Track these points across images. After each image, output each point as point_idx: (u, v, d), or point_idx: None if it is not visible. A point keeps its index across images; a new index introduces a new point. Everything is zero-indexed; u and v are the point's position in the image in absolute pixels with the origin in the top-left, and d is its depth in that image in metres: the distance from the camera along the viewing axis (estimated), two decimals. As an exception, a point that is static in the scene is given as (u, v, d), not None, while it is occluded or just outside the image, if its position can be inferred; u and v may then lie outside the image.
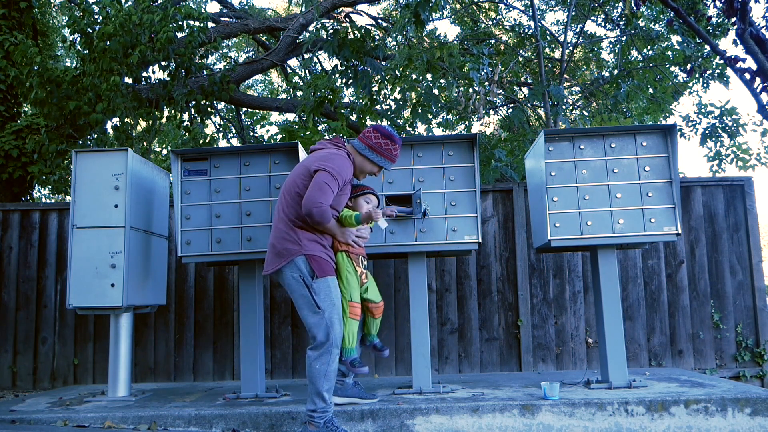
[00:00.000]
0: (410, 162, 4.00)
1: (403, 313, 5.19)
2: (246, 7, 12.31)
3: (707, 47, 7.82)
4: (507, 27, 11.19)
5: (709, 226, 5.36)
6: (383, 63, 7.85)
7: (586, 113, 9.96)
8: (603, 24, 10.47)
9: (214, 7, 46.68)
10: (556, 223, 3.89)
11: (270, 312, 5.18)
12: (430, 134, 8.17)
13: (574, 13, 9.17)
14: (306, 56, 11.20)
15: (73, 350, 5.22)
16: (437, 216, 3.92)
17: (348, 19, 10.10)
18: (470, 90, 7.29)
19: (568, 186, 3.94)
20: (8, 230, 5.37)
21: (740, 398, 3.53)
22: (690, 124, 9.03)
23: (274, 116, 12.96)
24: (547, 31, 9.77)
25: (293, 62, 12.00)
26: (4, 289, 5.30)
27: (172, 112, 7.51)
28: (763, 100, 5.56)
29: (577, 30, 10.08)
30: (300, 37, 9.24)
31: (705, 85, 9.43)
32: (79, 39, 6.81)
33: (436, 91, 7.26)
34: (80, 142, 7.52)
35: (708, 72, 9.00)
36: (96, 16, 6.78)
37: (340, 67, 6.98)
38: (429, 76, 7.54)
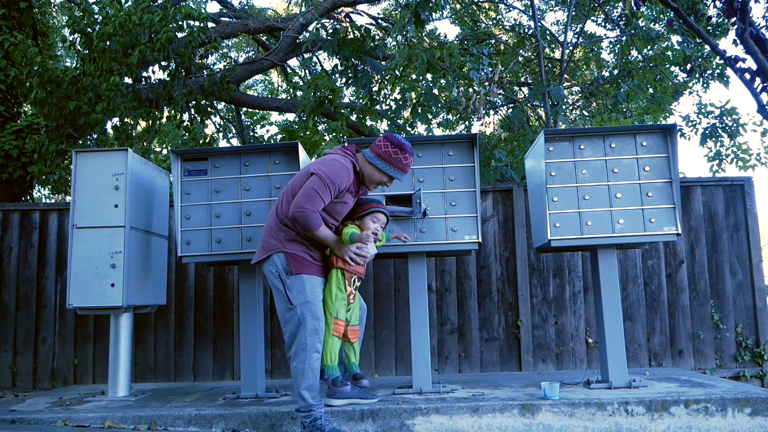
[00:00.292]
0: (410, 162, 4.00)
1: (403, 313, 5.19)
2: (246, 7, 12.31)
3: (707, 47, 7.82)
4: (507, 27, 11.19)
5: (709, 226, 5.36)
6: (383, 63, 7.85)
7: (586, 113, 9.96)
8: (603, 24, 10.47)
9: (214, 7, 46.69)
10: (556, 223, 3.89)
11: (270, 312, 5.18)
12: (430, 134, 8.17)
13: (574, 13, 9.17)
14: (306, 56, 11.21)
15: (73, 350, 5.22)
16: (437, 216, 3.92)
17: (348, 19, 10.10)
18: (470, 90, 7.29)
19: (568, 186, 3.94)
20: (8, 230, 5.37)
21: (740, 398, 3.53)
22: (690, 124, 9.03)
23: (274, 116, 12.97)
24: (547, 31, 9.77)
25: (293, 62, 12.02)
26: (4, 289, 5.30)
27: (172, 112, 7.51)
28: (763, 100, 5.56)
29: (577, 30, 10.08)
30: (300, 37, 9.25)
31: (705, 85, 9.43)
32: (79, 39, 6.81)
33: (436, 91, 7.26)
34: (80, 142, 7.52)
35: (708, 72, 9.01)
36: (96, 16, 6.78)
37: (339, 67, 6.98)
38: (429, 76, 7.54)
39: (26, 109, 9.12)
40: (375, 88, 7.57)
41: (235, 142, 12.47)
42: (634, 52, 9.73)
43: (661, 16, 9.11)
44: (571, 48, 9.43)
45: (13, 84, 7.27)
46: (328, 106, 7.83)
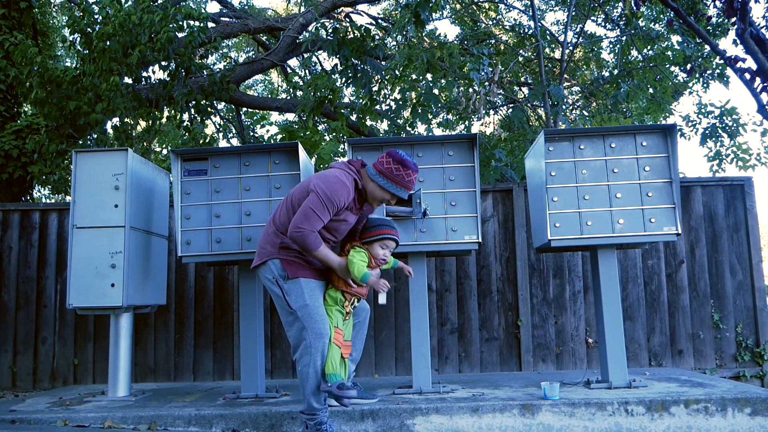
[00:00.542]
0: (410, 162, 4.00)
1: (403, 313, 5.19)
2: (246, 7, 12.31)
3: (707, 47, 7.82)
4: (507, 27, 11.19)
5: (709, 226, 5.36)
6: (383, 63, 7.85)
7: (586, 113, 9.96)
8: (603, 24, 10.47)
9: (214, 7, 46.68)
10: (556, 223, 3.89)
11: (270, 312, 5.18)
12: (430, 134, 8.17)
13: (574, 13, 9.17)
14: (306, 56, 11.21)
15: (73, 350, 5.22)
16: (437, 216, 3.92)
17: (348, 19, 10.10)
18: (470, 90, 7.29)
19: (568, 186, 3.94)
20: (8, 230, 5.37)
21: (740, 398, 3.53)
22: (690, 124, 9.03)
23: (274, 116, 12.97)
24: (547, 31, 9.77)
25: (293, 62, 12.02)
26: (4, 289, 5.30)
27: (172, 112, 7.51)
28: (763, 100, 5.55)
29: (577, 30, 10.08)
30: (300, 37, 9.25)
31: (705, 85, 9.43)
32: (79, 39, 6.81)
33: (436, 91, 7.26)
34: (80, 142, 7.52)
35: (708, 72, 9.01)
36: (96, 16, 6.78)
37: (339, 67, 6.98)
38: (429, 76, 7.54)
39: (26, 109, 9.12)
40: (375, 88, 7.57)
41: (235, 142, 12.48)
42: (634, 52, 9.73)
43: (661, 16, 9.11)
44: (571, 48, 9.43)
45: (13, 84, 7.27)
46: (328, 106, 7.83)
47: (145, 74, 7.29)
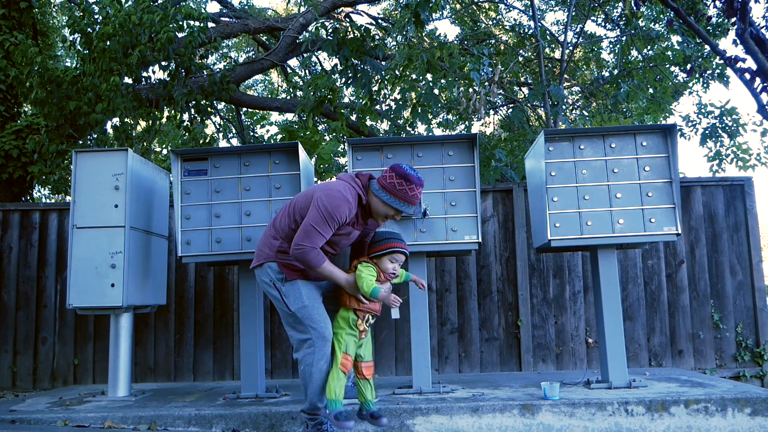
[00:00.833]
0: (410, 162, 4.00)
1: (403, 313, 5.18)
2: (246, 7, 12.30)
3: (707, 47, 7.82)
4: (507, 27, 11.19)
5: (709, 226, 5.36)
6: (383, 63, 7.85)
7: (586, 113, 9.96)
8: (603, 24, 10.47)
9: (214, 7, 46.70)
10: (556, 223, 3.89)
11: (270, 312, 5.18)
12: (430, 134, 8.17)
13: (574, 13, 9.17)
14: (306, 56, 11.21)
15: (73, 350, 5.22)
16: (437, 216, 3.92)
17: (348, 19, 10.09)
18: (470, 90, 7.29)
19: (568, 186, 3.94)
20: (8, 230, 5.37)
21: (740, 398, 3.53)
22: (690, 124, 9.03)
23: (274, 116, 12.97)
24: (547, 31, 9.77)
25: (293, 62, 12.02)
26: (4, 289, 5.30)
27: (172, 112, 7.51)
28: (763, 100, 5.55)
29: (577, 30, 10.08)
30: (300, 37, 9.25)
31: (705, 85, 9.43)
32: (79, 39, 6.81)
33: (436, 91, 7.26)
34: (80, 142, 7.52)
35: (708, 72, 9.00)
36: (96, 16, 6.78)
37: (339, 67, 6.98)
38: (429, 76, 7.54)
39: (26, 109, 9.12)
40: (375, 88, 7.57)
41: (235, 142, 12.48)
42: (634, 52, 9.73)
43: (661, 16, 9.10)
44: (571, 48, 9.43)
45: (13, 84, 7.27)
46: (328, 106, 7.83)
47: (145, 74, 7.29)
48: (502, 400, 3.61)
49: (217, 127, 12.14)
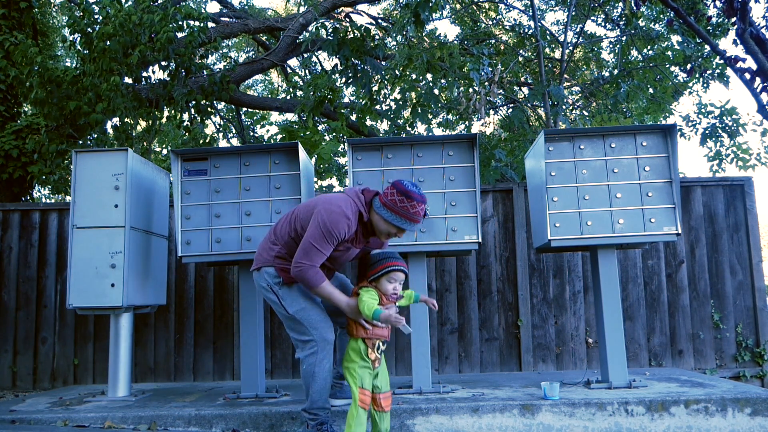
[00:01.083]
0: (410, 162, 4.00)
1: (403, 312, 5.18)
2: (246, 7, 12.30)
3: (707, 47, 7.82)
4: (507, 27, 11.19)
5: (709, 226, 5.36)
6: (383, 63, 7.85)
7: (586, 113, 9.96)
8: (603, 24, 10.47)
9: (214, 7, 46.68)
10: (556, 223, 3.89)
11: (270, 312, 5.17)
12: (430, 134, 8.17)
13: (574, 13, 9.17)
14: (306, 56, 11.20)
15: (73, 350, 5.22)
16: (437, 216, 3.92)
17: (348, 19, 10.10)
18: (470, 90, 7.29)
19: (568, 186, 3.94)
20: (8, 230, 5.37)
21: (740, 398, 3.53)
22: (690, 124, 9.03)
23: (274, 116, 12.97)
24: (547, 31, 9.77)
25: (293, 62, 12.02)
26: (4, 289, 5.30)
27: (172, 112, 7.51)
28: (763, 100, 5.56)
29: (577, 30, 10.08)
30: (300, 37, 9.25)
31: (705, 85, 9.43)
32: (79, 39, 6.81)
33: (436, 91, 7.26)
34: (80, 142, 7.52)
35: (708, 72, 9.00)
36: (96, 16, 6.78)
37: (339, 67, 6.99)
38: (429, 76, 7.55)
39: (26, 109, 9.12)
40: (375, 88, 7.57)
41: (235, 142, 12.48)
42: (634, 52, 9.73)
43: (661, 16, 9.10)
44: (571, 48, 9.43)
45: (13, 84, 7.27)
46: (328, 105, 7.83)
47: (145, 74, 7.30)
48: (502, 400, 3.61)
49: (217, 127, 12.15)
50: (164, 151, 11.42)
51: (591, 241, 3.90)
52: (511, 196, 5.37)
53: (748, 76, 5.52)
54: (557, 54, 10.57)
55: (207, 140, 9.51)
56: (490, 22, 11.17)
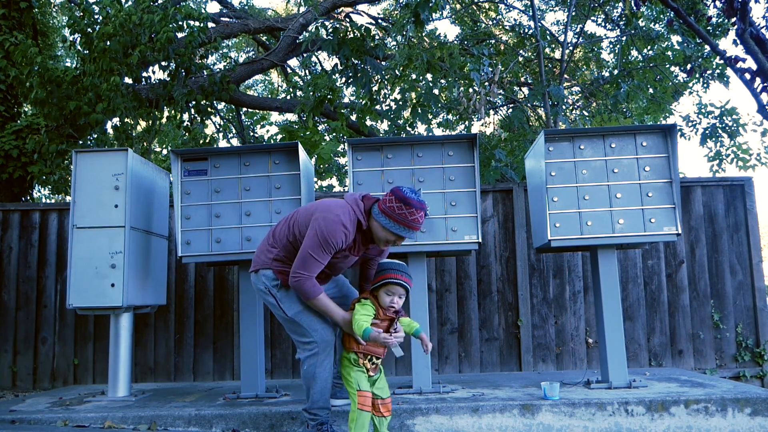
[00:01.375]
0: (410, 162, 4.00)
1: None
2: (246, 7, 12.30)
3: (707, 47, 7.82)
4: (507, 27, 11.19)
5: (709, 226, 5.36)
6: (383, 63, 7.85)
7: (586, 113, 9.96)
8: (603, 24, 10.48)
9: (214, 7, 46.69)
10: (556, 223, 3.89)
11: (270, 312, 5.16)
12: (430, 134, 8.17)
13: (574, 13, 9.17)
14: (306, 55, 11.20)
15: (73, 350, 5.22)
16: (437, 216, 3.92)
17: (348, 19, 10.09)
18: (470, 90, 7.29)
19: (568, 186, 3.94)
20: (8, 230, 5.37)
21: (740, 398, 3.53)
22: (690, 124, 9.03)
23: (274, 116, 12.97)
24: (547, 31, 9.77)
25: (293, 62, 12.02)
26: (4, 289, 5.30)
27: (172, 112, 7.51)
28: (763, 100, 5.56)
29: (577, 30, 10.08)
30: (300, 37, 9.25)
31: (705, 85, 9.43)
32: (79, 39, 6.81)
33: (436, 91, 7.26)
34: (80, 142, 7.53)
35: (708, 72, 9.00)
36: (96, 16, 6.78)
37: (339, 67, 6.99)
38: (429, 76, 7.55)
39: (26, 109, 9.12)
40: (375, 88, 7.57)
41: (235, 142, 12.48)
42: (634, 52, 9.74)
43: (661, 16, 9.11)
44: (571, 48, 9.43)
45: (13, 84, 7.27)
46: (328, 105, 7.83)
47: (145, 74, 7.30)
48: (502, 400, 3.61)
49: (217, 127, 12.14)
50: (164, 151, 11.42)
51: (591, 241, 3.90)
52: (511, 196, 5.37)
53: (748, 76, 5.52)
54: (557, 54, 10.57)
55: (207, 140, 9.50)
56: (490, 22, 11.18)
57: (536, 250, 4.45)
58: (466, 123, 8.97)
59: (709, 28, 8.12)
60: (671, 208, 3.88)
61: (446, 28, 44.00)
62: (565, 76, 8.85)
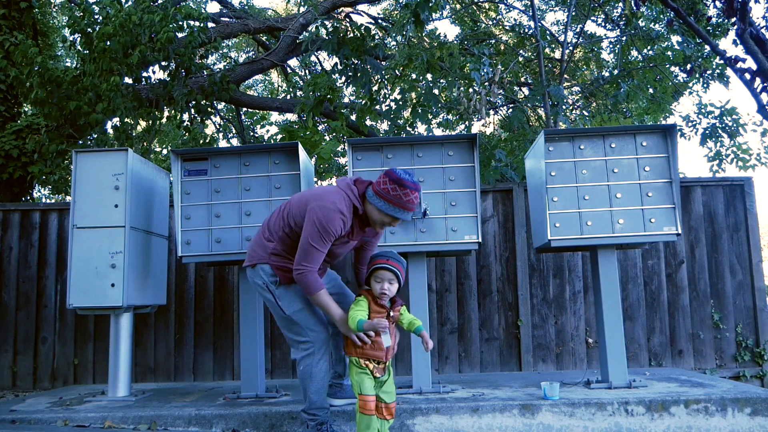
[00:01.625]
0: (410, 162, 4.01)
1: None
2: (246, 7, 12.30)
3: (707, 47, 7.82)
4: (507, 27, 11.19)
5: (709, 226, 5.36)
6: (383, 63, 7.85)
7: (586, 113, 9.96)
8: (603, 24, 10.48)
9: (214, 7, 46.64)
10: (556, 223, 3.89)
11: (270, 312, 5.17)
12: (430, 134, 8.17)
13: (574, 13, 9.17)
14: (305, 55, 11.20)
15: (73, 350, 5.22)
16: (437, 216, 3.92)
17: (348, 19, 10.10)
18: (470, 90, 7.29)
19: (568, 186, 3.93)
20: (8, 230, 5.37)
21: (740, 398, 3.53)
22: (690, 124, 9.02)
23: (274, 116, 12.97)
24: (547, 31, 9.77)
25: (293, 62, 12.02)
26: (4, 289, 5.30)
27: (172, 112, 7.52)
28: (763, 100, 5.56)
29: (577, 30, 10.08)
30: (300, 37, 9.25)
31: (705, 85, 9.43)
32: (79, 39, 6.81)
33: (436, 91, 7.26)
34: (80, 142, 7.53)
35: (708, 72, 9.00)
36: (96, 16, 6.79)
37: (339, 66, 6.98)
38: (429, 76, 7.55)
39: (26, 109, 9.12)
40: (375, 88, 7.57)
41: (235, 142, 12.47)
42: (634, 52, 9.73)
43: (661, 16, 9.11)
44: (571, 48, 9.43)
45: (13, 84, 7.27)
46: (327, 105, 7.82)
47: (145, 74, 7.30)
48: (502, 400, 3.61)
49: (217, 127, 12.15)
50: (164, 151, 11.42)
51: (591, 241, 3.90)
52: (511, 196, 5.37)
53: (748, 76, 5.52)
54: (557, 54, 10.58)
55: (207, 140, 9.51)
56: (490, 22, 11.18)
57: (536, 250, 4.45)
58: (466, 123, 8.96)
59: (709, 28, 8.12)
60: (671, 208, 3.88)
61: (446, 28, 44.00)
62: (565, 76, 8.85)
